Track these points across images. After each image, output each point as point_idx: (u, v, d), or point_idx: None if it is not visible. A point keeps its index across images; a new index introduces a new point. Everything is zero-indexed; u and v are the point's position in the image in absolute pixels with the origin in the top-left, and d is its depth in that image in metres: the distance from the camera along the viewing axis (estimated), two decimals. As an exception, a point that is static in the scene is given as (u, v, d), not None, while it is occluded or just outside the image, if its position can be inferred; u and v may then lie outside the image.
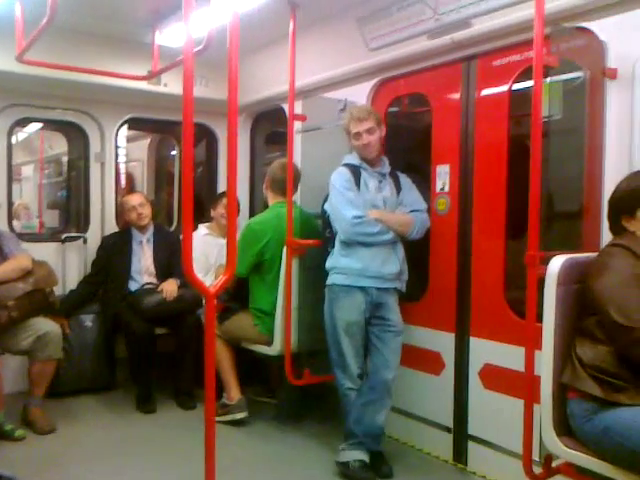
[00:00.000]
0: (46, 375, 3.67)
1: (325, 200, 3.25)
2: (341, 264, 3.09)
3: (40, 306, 3.68)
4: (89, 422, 3.84)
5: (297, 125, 3.76)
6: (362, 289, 3.05)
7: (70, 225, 5.00)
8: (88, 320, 4.30)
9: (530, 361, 2.24)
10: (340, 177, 3.13)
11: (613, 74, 2.43)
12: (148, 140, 6.81)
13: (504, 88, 2.93)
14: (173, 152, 6.48)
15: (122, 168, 6.82)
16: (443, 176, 3.23)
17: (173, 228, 5.30)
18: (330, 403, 3.40)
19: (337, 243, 3.13)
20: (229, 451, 3.16)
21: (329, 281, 3.14)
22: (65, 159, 5.55)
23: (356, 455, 3.01)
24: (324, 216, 3.26)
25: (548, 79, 2.31)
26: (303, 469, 3.16)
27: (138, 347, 4.01)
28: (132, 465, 3.21)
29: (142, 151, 6.88)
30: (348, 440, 3.06)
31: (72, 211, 5.08)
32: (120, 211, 4.68)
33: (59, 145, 6.64)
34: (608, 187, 2.35)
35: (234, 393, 3.73)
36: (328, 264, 3.16)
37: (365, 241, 3.04)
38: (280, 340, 3.49)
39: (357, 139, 3.14)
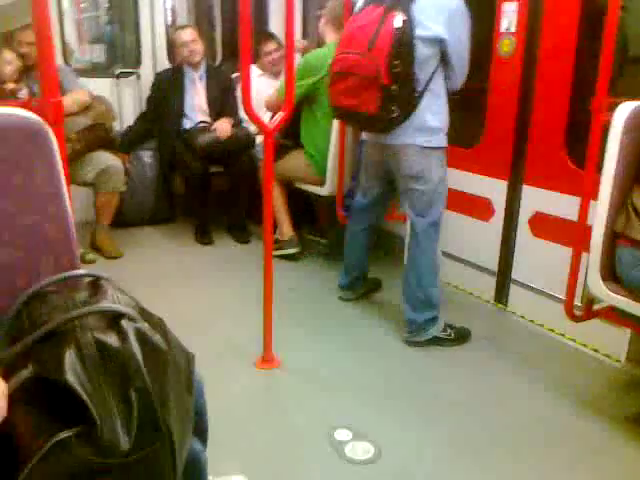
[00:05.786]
0: (111, 206, 3.88)
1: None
2: (447, 122, 2.70)
3: (102, 140, 3.78)
4: (153, 250, 4.10)
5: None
6: None
7: (118, 61, 4.96)
8: (146, 156, 4.43)
9: (585, 210, 2.26)
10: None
11: None
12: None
13: None
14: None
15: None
16: (510, 14, 3.02)
17: (218, 63, 5.19)
18: (379, 244, 3.49)
19: (441, 92, 2.64)
20: (281, 281, 3.35)
21: (437, 143, 2.66)
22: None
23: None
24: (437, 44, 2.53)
25: None
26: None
27: (194, 184, 4.16)
28: (196, 286, 3.48)
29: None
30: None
31: (119, 46, 4.99)
32: (172, 47, 4.59)
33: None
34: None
35: (286, 230, 3.89)
36: (436, 123, 2.63)
37: None
38: (332, 180, 3.56)
39: None
